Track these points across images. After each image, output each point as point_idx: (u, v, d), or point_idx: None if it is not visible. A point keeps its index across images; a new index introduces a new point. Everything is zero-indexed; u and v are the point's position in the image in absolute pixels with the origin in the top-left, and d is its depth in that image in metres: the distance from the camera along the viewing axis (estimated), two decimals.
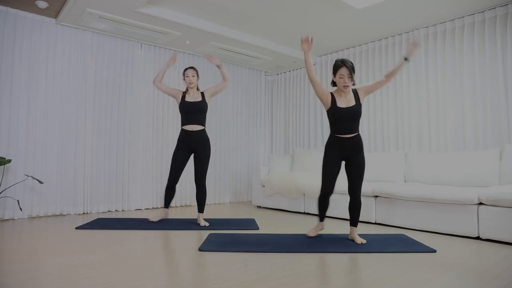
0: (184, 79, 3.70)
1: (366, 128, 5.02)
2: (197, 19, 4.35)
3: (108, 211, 4.60)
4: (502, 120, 3.76)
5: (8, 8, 3.95)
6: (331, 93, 2.90)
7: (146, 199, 4.93)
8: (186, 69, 3.70)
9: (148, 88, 5.00)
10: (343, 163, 2.93)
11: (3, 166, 3.78)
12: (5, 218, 3.88)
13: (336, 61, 2.85)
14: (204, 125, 3.67)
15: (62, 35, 4.32)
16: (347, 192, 2.98)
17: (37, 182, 3.95)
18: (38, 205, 4.10)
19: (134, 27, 4.35)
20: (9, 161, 3.71)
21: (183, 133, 3.63)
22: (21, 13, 4.03)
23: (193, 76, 3.67)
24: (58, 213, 4.24)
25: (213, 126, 5.70)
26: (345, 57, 5.37)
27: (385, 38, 4.88)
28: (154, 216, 3.78)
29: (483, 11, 3.95)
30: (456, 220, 3.18)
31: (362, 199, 3.90)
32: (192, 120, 3.61)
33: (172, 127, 5.20)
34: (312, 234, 3.06)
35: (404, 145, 4.57)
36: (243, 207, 5.31)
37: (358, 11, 4.02)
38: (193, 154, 3.69)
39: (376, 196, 3.84)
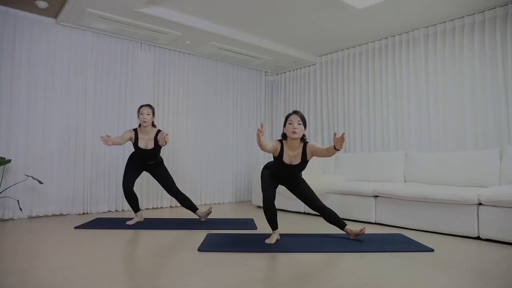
0: (138, 116, 3.56)
1: (366, 128, 5.02)
2: (197, 19, 4.35)
3: (108, 211, 4.59)
4: (502, 120, 3.76)
5: (8, 8, 3.95)
6: (282, 143, 2.85)
7: (145, 199, 4.94)
8: (141, 106, 3.56)
9: (148, 88, 5.00)
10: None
11: (3, 166, 3.78)
12: (5, 218, 3.87)
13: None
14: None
15: (62, 35, 4.31)
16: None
17: (37, 182, 3.95)
18: (38, 205, 4.10)
19: (134, 27, 4.34)
20: (9, 161, 3.72)
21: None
22: (21, 13, 4.03)
23: (148, 114, 3.50)
24: (58, 213, 4.23)
25: (213, 126, 5.70)
26: (345, 57, 5.38)
27: (385, 38, 4.87)
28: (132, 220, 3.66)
29: (483, 11, 3.95)
30: (456, 220, 3.18)
31: (362, 198, 3.92)
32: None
33: (171, 127, 5.21)
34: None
35: (404, 145, 4.57)
36: (243, 207, 5.31)
37: (358, 11, 4.01)
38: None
39: (376, 196, 3.84)
